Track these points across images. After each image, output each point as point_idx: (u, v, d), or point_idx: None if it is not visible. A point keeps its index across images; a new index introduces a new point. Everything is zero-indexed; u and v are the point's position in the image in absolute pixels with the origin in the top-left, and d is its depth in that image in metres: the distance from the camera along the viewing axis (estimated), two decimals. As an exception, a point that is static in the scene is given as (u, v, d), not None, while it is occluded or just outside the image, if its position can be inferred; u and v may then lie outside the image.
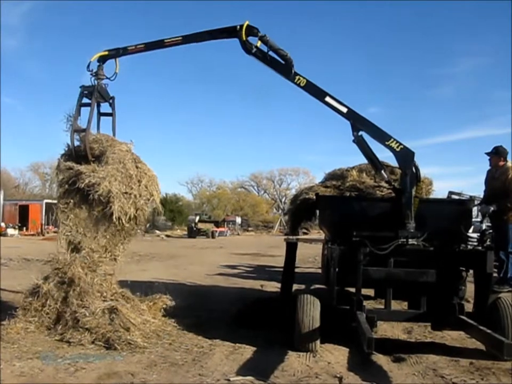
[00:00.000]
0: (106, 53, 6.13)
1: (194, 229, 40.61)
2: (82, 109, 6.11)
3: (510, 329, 4.79)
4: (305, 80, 5.55)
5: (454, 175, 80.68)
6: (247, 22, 5.66)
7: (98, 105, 6.31)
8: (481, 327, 4.69)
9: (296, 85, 5.56)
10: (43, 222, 39.29)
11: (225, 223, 50.25)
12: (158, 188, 6.02)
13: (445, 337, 5.69)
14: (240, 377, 4.19)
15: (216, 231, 41.47)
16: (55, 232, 37.98)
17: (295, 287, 7.97)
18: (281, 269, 7.76)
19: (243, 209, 65.61)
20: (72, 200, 5.79)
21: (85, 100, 6.10)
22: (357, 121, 5.53)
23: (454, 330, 5.40)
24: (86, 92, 6.08)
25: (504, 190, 8.00)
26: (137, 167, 5.90)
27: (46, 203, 41.29)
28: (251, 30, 5.66)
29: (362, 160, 6.32)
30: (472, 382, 4.22)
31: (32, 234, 35.87)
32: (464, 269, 5.42)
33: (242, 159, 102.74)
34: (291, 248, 7.00)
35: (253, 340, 5.32)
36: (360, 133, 5.54)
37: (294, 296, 5.50)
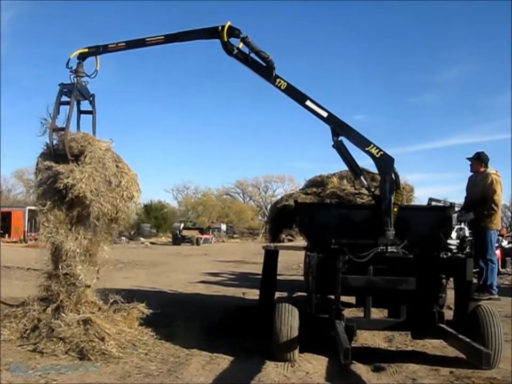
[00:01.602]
0: (86, 50, 6.05)
1: (179, 236, 40.46)
2: (62, 107, 5.96)
3: (490, 337, 4.76)
4: (286, 84, 5.53)
5: (437, 182, 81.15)
6: (228, 23, 5.62)
7: (78, 103, 6.19)
8: (461, 336, 4.66)
9: (277, 88, 5.53)
10: (26, 229, 38.90)
11: (210, 230, 50.18)
12: (139, 187, 5.88)
13: (425, 345, 5.65)
14: (215, 388, 4.10)
15: (201, 238, 41.35)
16: (37, 239, 37.85)
17: (278, 294, 7.90)
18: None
19: (228, 216, 65.53)
20: (50, 201, 5.62)
21: (64, 98, 5.97)
22: (337, 126, 5.49)
23: (434, 338, 5.37)
24: (65, 90, 5.95)
25: (483, 197, 7.98)
26: (117, 166, 5.77)
27: (29, 210, 40.87)
28: (233, 31, 5.62)
29: (344, 167, 6.29)
30: (451, 391, 4.17)
31: (15, 242, 35.41)
32: (444, 276, 5.37)
33: (228, 166, 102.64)
34: (270, 256, 6.92)
35: (231, 349, 5.24)
36: (340, 138, 5.51)
37: (273, 305, 5.42)
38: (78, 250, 5.55)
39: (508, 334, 5.96)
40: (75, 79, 6.01)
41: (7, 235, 37.54)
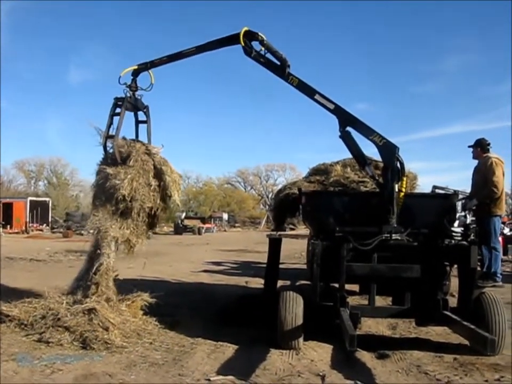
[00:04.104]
0: (136, 67, 6.60)
1: (181, 225, 40.54)
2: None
3: (494, 324, 4.77)
4: (297, 80, 5.77)
5: (439, 170, 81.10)
6: (244, 29, 5.92)
7: (136, 114, 6.80)
8: (465, 323, 4.66)
9: (289, 84, 5.81)
10: (27, 220, 38.93)
11: (212, 220, 50.20)
12: (179, 188, 6.53)
13: (429, 332, 5.65)
14: (220, 377, 4.11)
15: (202, 227, 41.41)
16: (39, 230, 37.87)
17: (281, 283, 7.91)
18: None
19: (230, 206, 65.57)
20: (102, 197, 6.22)
21: (118, 110, 6.53)
22: (343, 117, 5.61)
23: (438, 325, 5.36)
24: (119, 103, 6.52)
25: (484, 181, 7.96)
26: (161, 169, 6.34)
27: (31, 201, 40.96)
28: (252, 35, 5.93)
29: (347, 155, 6.32)
30: (456, 378, 4.17)
31: (17, 232, 35.48)
32: (448, 263, 5.37)
33: (229, 155, 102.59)
34: (274, 244, 6.93)
35: (236, 337, 5.25)
36: (347, 128, 5.60)
37: (277, 293, 5.42)
38: (120, 238, 6.05)
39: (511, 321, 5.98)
40: (127, 93, 6.55)
41: (8, 226, 37.58)
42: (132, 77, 6.62)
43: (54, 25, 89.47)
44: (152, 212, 6.29)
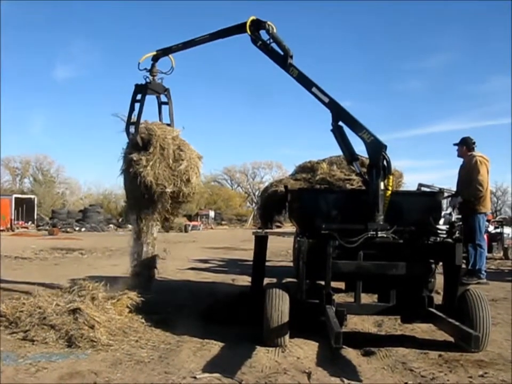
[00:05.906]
0: (155, 53, 6.93)
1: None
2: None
3: (478, 321, 4.81)
4: (297, 72, 5.88)
5: (425, 168, 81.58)
6: (251, 18, 6.08)
7: (158, 97, 7.14)
8: (450, 320, 4.70)
9: (289, 75, 5.92)
10: (13, 217, 38.59)
11: (199, 217, 50.08)
12: (198, 171, 6.73)
13: (415, 329, 5.68)
14: (206, 374, 4.10)
15: (189, 225, 41.24)
16: (24, 227, 37.58)
17: (267, 280, 7.91)
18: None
19: (216, 203, 65.36)
20: (128, 182, 6.75)
21: (139, 96, 6.89)
22: (336, 111, 5.68)
23: (423, 323, 5.40)
24: (139, 89, 6.87)
25: (469, 179, 8.02)
26: (179, 154, 6.60)
27: (16, 198, 40.64)
28: (260, 24, 6.06)
29: (333, 153, 6.35)
30: (440, 374, 4.20)
31: (1, 230, 35.14)
32: (433, 261, 5.40)
33: (216, 153, 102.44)
34: (260, 242, 6.94)
35: (222, 335, 5.24)
36: (340, 123, 5.69)
37: (264, 291, 5.42)
38: (160, 219, 6.79)
39: (495, 318, 6.04)
40: (147, 79, 6.91)
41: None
42: (151, 62, 6.92)
43: (40, 18, 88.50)
44: (174, 195, 6.66)
